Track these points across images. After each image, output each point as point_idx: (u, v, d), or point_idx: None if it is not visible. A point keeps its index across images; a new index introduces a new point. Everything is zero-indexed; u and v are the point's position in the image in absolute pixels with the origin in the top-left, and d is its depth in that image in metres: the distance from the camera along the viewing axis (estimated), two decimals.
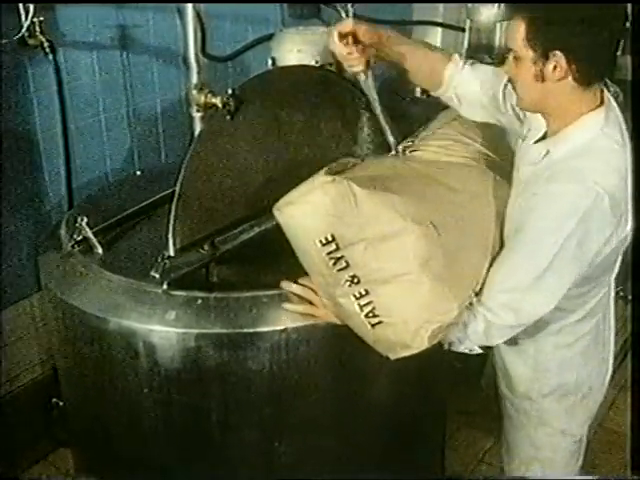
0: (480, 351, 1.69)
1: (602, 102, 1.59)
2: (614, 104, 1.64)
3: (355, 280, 1.54)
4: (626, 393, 2.64)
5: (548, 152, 1.62)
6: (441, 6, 3.80)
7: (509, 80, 1.66)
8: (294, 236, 1.58)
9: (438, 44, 3.90)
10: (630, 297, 1.78)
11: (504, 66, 1.63)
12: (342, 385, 1.81)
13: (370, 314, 1.56)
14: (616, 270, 1.77)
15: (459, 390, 2.46)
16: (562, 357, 1.83)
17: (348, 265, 1.53)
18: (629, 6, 1.60)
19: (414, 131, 2.48)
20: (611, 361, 1.90)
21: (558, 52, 1.48)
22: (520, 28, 1.52)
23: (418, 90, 3.03)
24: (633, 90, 1.67)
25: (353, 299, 1.56)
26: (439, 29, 3.85)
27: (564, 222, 1.52)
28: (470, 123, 1.91)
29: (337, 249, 1.52)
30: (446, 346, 1.68)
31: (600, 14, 1.48)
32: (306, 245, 1.56)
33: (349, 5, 3.17)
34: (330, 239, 1.52)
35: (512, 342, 1.83)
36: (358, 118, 2.16)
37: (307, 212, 1.53)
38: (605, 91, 1.62)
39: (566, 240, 1.52)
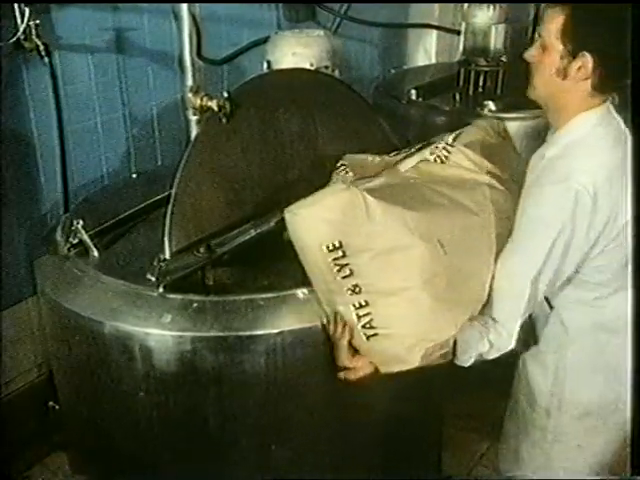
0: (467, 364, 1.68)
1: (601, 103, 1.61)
2: (611, 107, 1.65)
3: (357, 289, 1.55)
4: None
5: (544, 156, 1.65)
6: (437, 9, 3.81)
7: (528, 64, 1.66)
8: (301, 240, 1.58)
9: (433, 47, 3.92)
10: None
11: (529, 50, 1.64)
12: (338, 388, 1.80)
13: (367, 325, 1.57)
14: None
15: (456, 393, 2.46)
16: (582, 373, 1.79)
17: (352, 273, 1.53)
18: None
19: (409, 133, 2.48)
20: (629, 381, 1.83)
21: (587, 54, 1.50)
22: (557, 19, 1.54)
23: (414, 93, 3.03)
24: (633, 92, 1.67)
25: (352, 308, 1.57)
26: (434, 32, 3.87)
27: (550, 224, 1.54)
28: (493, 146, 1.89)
29: (343, 256, 1.52)
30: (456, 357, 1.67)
31: (635, 29, 1.46)
32: (312, 249, 1.55)
33: (344, 6, 3.19)
34: (337, 245, 1.52)
35: (535, 354, 1.83)
36: (354, 121, 2.16)
37: (318, 217, 1.53)
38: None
39: (555, 241, 1.54)
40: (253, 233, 1.86)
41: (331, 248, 1.52)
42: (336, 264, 1.53)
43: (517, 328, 1.63)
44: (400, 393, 1.93)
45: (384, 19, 3.57)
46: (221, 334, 1.66)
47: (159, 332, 1.67)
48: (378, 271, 1.53)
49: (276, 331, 1.67)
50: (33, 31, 2.21)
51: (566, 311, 1.77)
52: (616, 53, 1.49)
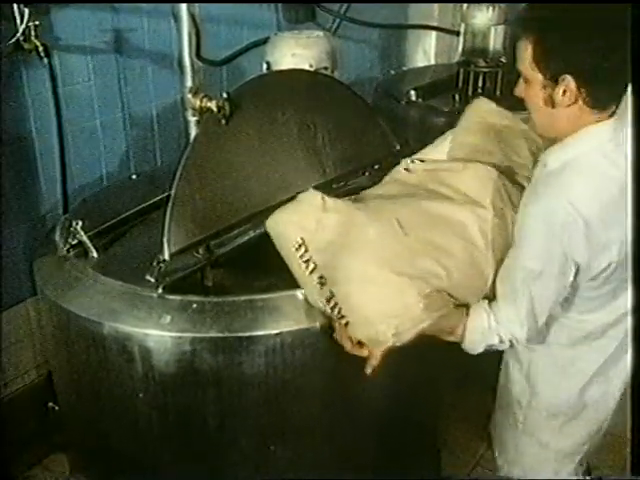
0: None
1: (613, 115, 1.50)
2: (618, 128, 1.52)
3: (322, 281, 1.59)
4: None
5: (545, 164, 1.59)
6: (436, 10, 3.82)
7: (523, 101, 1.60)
8: (278, 246, 1.66)
9: (433, 48, 3.93)
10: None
11: (516, 88, 1.59)
12: (337, 389, 1.81)
13: (339, 315, 1.59)
14: (620, 301, 1.66)
15: (456, 394, 2.46)
16: (553, 375, 1.79)
17: (316, 267, 1.59)
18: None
19: (409, 133, 2.47)
20: (617, 390, 1.81)
21: (568, 76, 1.43)
22: (527, 50, 1.47)
23: (413, 94, 3.03)
24: (633, 98, 1.63)
25: (325, 302, 1.59)
26: (434, 33, 3.87)
27: (543, 238, 1.50)
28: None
29: (306, 251, 1.59)
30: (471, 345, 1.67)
31: (609, 36, 1.40)
32: (286, 252, 1.63)
33: (344, 6, 3.19)
34: (300, 242, 1.59)
35: (513, 349, 1.83)
36: (354, 121, 2.16)
37: (284, 221, 1.64)
38: (622, 106, 1.51)
39: (548, 259, 1.51)
40: (252, 234, 1.86)
41: (296, 247, 1.60)
42: (303, 261, 1.59)
43: (519, 330, 1.62)
44: (399, 393, 1.93)
45: (383, 20, 3.57)
46: (220, 335, 1.66)
47: (158, 333, 1.67)
48: (335, 258, 1.56)
49: (275, 332, 1.67)
50: (32, 32, 2.20)
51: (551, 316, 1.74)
52: (597, 64, 1.41)
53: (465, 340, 1.65)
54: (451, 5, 3.74)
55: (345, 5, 3.22)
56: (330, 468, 1.91)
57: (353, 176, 2.16)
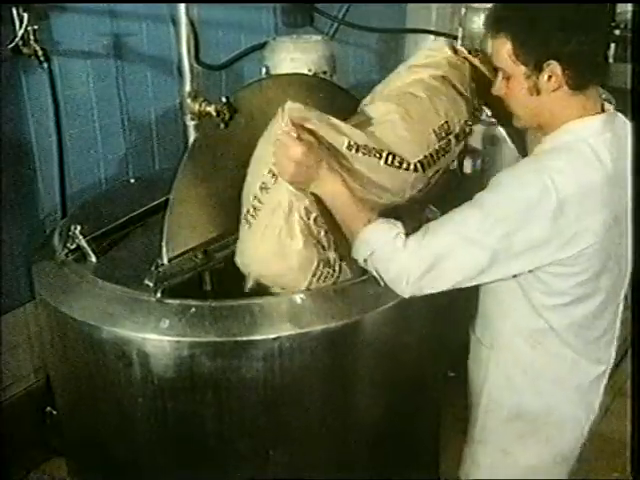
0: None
1: (602, 111, 1.56)
2: (621, 123, 1.58)
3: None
4: (620, 399, 2.64)
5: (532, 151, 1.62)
6: (434, 14, 3.83)
7: (500, 100, 1.62)
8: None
9: None
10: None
11: (493, 87, 1.61)
12: (336, 393, 1.81)
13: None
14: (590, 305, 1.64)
15: (456, 397, 2.45)
16: (512, 374, 1.73)
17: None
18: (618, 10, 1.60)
19: None
20: (594, 403, 1.77)
21: (553, 61, 1.47)
22: (505, 46, 1.51)
23: None
24: (633, 98, 1.64)
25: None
26: (431, 37, 3.87)
27: (511, 205, 1.49)
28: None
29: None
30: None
31: (585, 18, 1.46)
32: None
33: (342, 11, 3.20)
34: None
35: (474, 348, 1.81)
36: None
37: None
38: (608, 105, 1.58)
39: (509, 220, 1.48)
40: None
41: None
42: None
43: (413, 267, 1.52)
44: (397, 397, 1.93)
45: (381, 24, 3.58)
46: (219, 339, 1.65)
47: (157, 337, 1.67)
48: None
49: (274, 336, 1.66)
50: (31, 36, 2.21)
51: (511, 310, 1.68)
52: (577, 47, 1.46)
53: (361, 235, 1.57)
54: (449, 9, 3.74)
55: (343, 9, 3.23)
56: (328, 472, 1.91)
57: None
